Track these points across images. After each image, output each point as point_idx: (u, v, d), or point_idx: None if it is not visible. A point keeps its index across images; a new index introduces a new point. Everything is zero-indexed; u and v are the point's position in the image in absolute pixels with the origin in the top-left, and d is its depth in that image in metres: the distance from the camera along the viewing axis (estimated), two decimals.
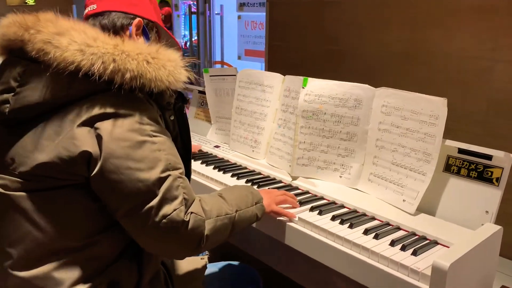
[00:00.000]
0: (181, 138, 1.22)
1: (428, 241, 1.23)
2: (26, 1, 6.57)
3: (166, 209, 1.00)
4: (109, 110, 1.00)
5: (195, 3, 3.60)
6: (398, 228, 1.30)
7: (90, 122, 0.99)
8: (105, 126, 0.98)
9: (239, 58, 3.41)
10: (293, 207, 1.41)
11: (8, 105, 1.02)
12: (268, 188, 1.52)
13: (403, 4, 1.98)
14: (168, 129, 1.13)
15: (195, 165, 1.78)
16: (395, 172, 1.44)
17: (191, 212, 1.05)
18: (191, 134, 2.15)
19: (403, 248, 1.17)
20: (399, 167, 1.42)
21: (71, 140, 0.98)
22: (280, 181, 1.63)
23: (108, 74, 0.98)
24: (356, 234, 1.25)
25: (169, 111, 1.15)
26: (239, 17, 3.39)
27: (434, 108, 1.34)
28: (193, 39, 3.79)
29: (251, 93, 1.86)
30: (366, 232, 1.25)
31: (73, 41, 0.99)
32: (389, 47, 2.09)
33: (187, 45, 3.83)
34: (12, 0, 6.64)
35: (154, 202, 1.00)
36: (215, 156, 1.90)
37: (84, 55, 0.97)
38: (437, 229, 1.27)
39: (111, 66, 0.98)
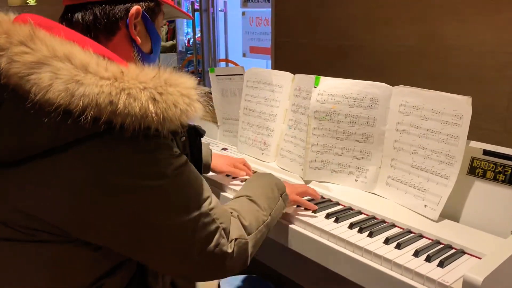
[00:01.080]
0: (192, 158, 1.11)
1: (454, 250, 1.14)
2: (28, 1, 6.51)
3: (208, 248, 0.93)
4: (113, 158, 0.82)
5: (198, 0, 3.51)
6: (421, 236, 1.22)
7: (91, 177, 0.82)
8: (112, 179, 0.82)
9: (244, 55, 3.33)
10: (315, 198, 1.39)
11: None
12: None
13: None
14: None
15: None
16: (415, 175, 1.35)
17: (235, 239, 0.98)
18: None
19: (428, 259, 1.09)
20: (419, 170, 1.34)
21: (71, 201, 0.82)
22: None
23: (105, 120, 0.78)
24: (376, 244, 1.17)
25: (180, 133, 1.01)
26: (243, 13, 3.31)
27: (458, 107, 1.25)
28: (196, 37, 3.71)
29: (259, 93, 1.77)
30: (387, 241, 1.17)
31: (57, 76, 0.78)
32: (402, 42, 2.00)
33: (190, 43, 3.75)
34: (13, 1, 6.59)
35: (193, 247, 0.91)
36: None
37: (72, 97, 0.77)
38: (463, 237, 1.18)
39: (108, 110, 0.78)
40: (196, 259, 0.93)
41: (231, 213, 1.06)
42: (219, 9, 3.53)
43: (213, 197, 0.99)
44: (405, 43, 1.98)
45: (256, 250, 1.08)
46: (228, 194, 1.53)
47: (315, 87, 1.51)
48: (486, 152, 1.25)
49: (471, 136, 1.27)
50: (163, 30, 5.03)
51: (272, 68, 2.60)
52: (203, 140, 1.74)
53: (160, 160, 0.87)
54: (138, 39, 1.01)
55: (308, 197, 1.40)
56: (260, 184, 1.24)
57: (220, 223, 0.96)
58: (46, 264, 0.87)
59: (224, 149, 1.90)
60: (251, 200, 1.14)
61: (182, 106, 0.84)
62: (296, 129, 1.64)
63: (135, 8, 0.97)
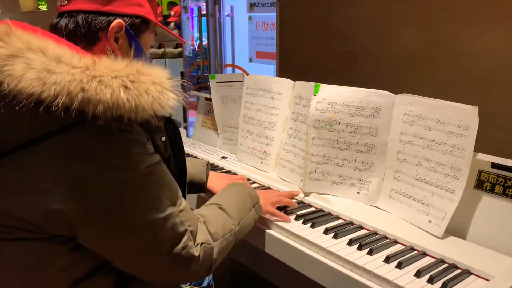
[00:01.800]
0: (174, 159, 1.07)
1: (459, 270, 1.07)
2: (39, 7, 6.57)
3: (176, 249, 0.92)
4: (85, 149, 0.82)
5: (204, 5, 3.48)
6: (424, 254, 1.15)
7: (62, 170, 0.81)
8: (81, 173, 0.82)
9: (250, 60, 3.27)
10: (291, 207, 1.37)
11: None
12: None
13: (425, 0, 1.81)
14: (158, 152, 0.97)
15: None
16: (419, 188, 1.28)
17: (201, 243, 0.99)
18: (198, 143, 2.04)
19: (430, 280, 1.02)
20: (423, 183, 1.27)
21: (42, 196, 0.82)
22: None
23: (76, 107, 0.78)
24: (376, 262, 1.10)
25: (160, 132, 1.00)
26: (249, 18, 3.26)
27: (464, 117, 1.18)
28: (203, 42, 3.67)
29: (259, 101, 1.72)
30: (387, 259, 1.10)
31: (30, 67, 0.79)
32: (408, 47, 1.92)
33: (198, 48, 3.72)
34: (25, 6, 6.64)
35: (160, 246, 0.91)
36: (222, 168, 1.76)
37: (44, 85, 0.77)
38: (469, 256, 1.11)
39: (80, 97, 0.78)
40: (162, 260, 0.92)
41: (198, 218, 1.04)
42: (226, 14, 3.48)
43: (183, 201, 0.99)
44: (413, 49, 1.91)
45: (222, 258, 1.07)
46: None
47: (314, 95, 1.44)
48: (494, 165, 1.18)
49: (480, 145, 1.19)
50: None
51: (276, 74, 2.54)
52: (204, 150, 1.68)
53: (132, 155, 0.86)
54: (118, 52, 0.99)
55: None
56: (233, 193, 1.23)
57: (189, 226, 0.96)
58: (24, 263, 0.88)
59: (224, 157, 1.84)
60: (220, 208, 1.14)
61: (154, 94, 0.84)
62: (296, 138, 1.57)
63: (117, 21, 0.97)
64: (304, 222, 1.30)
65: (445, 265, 1.10)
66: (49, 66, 0.79)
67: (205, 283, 1.55)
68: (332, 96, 1.42)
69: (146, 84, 0.84)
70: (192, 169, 1.42)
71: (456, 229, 1.21)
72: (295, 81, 1.62)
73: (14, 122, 0.82)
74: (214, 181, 1.48)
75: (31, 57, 0.80)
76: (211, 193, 1.45)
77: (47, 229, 0.85)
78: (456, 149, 1.19)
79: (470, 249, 1.15)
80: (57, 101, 0.77)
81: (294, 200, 1.42)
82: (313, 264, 1.18)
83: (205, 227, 1.03)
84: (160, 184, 0.91)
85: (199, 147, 1.99)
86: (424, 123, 1.27)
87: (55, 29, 0.98)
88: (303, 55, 2.45)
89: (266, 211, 1.30)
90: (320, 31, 2.32)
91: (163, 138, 1.01)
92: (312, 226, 1.28)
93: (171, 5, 5.66)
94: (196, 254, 0.96)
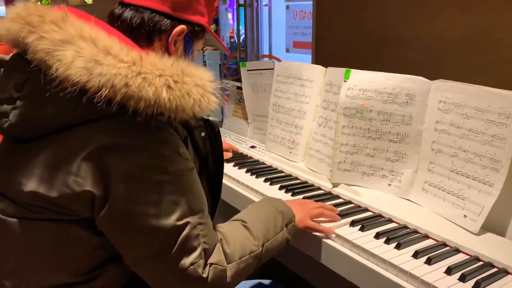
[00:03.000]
0: (212, 156, 1.05)
1: (495, 269, 0.99)
2: (86, 0, 6.76)
3: (183, 262, 0.88)
4: (121, 141, 0.84)
5: None
6: (457, 251, 1.07)
7: (96, 156, 0.83)
8: (114, 162, 0.83)
9: (287, 50, 3.21)
10: (332, 221, 1.20)
11: (7, 119, 0.88)
12: (303, 197, 1.33)
13: None
14: (197, 148, 0.97)
15: (227, 166, 1.62)
16: (454, 181, 1.20)
17: (211, 264, 0.92)
18: (229, 132, 2.01)
19: (462, 278, 0.95)
20: (459, 176, 1.18)
21: (73, 177, 0.83)
22: (318, 188, 1.44)
23: (119, 101, 0.80)
24: (403, 257, 1.03)
25: (199, 128, 0.99)
26: (287, 7, 3.19)
27: (505, 104, 1.09)
28: (240, 33, 3.64)
29: (289, 88, 1.67)
30: (416, 255, 1.03)
31: (79, 55, 0.80)
32: (448, 34, 1.81)
33: (241, 40, 3.70)
34: (73, 0, 6.85)
35: (169, 253, 0.87)
36: (250, 157, 1.73)
37: (90, 75, 0.79)
38: (507, 254, 1.03)
39: (123, 92, 0.79)
40: (168, 268, 0.88)
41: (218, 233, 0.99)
42: (264, 3, 3.43)
43: (208, 217, 0.94)
44: (451, 36, 1.80)
45: (238, 281, 0.98)
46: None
47: (345, 81, 1.38)
48: None
49: None
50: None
51: (312, 63, 2.47)
52: (234, 139, 1.66)
53: (165, 156, 0.87)
54: (174, 55, 1.01)
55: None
56: (263, 209, 1.12)
57: (204, 242, 0.91)
58: (51, 243, 0.88)
59: (253, 147, 1.81)
60: (244, 226, 1.04)
61: (196, 96, 0.84)
62: (326, 127, 1.51)
63: (181, 27, 0.99)
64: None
65: (480, 263, 1.02)
66: (97, 56, 0.81)
67: None
68: (364, 82, 1.36)
69: (189, 85, 0.84)
70: None
71: (494, 225, 1.12)
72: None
73: (57, 106, 0.84)
74: None
75: (82, 46, 0.81)
76: None
77: (75, 211, 0.86)
78: (496, 139, 1.10)
79: (509, 247, 1.06)
80: (100, 92, 0.79)
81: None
82: (337, 256, 1.13)
83: (220, 247, 0.95)
84: (186, 190, 0.89)
85: (229, 137, 1.96)
86: (461, 111, 1.19)
87: (116, 19, 0.98)
88: (339, 44, 2.37)
89: (305, 226, 1.16)
90: (357, 18, 2.24)
91: (202, 134, 1.01)
92: (340, 217, 1.22)
93: None
94: (204, 275, 0.89)
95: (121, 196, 0.84)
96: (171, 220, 0.86)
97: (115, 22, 0.99)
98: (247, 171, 1.57)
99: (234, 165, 1.63)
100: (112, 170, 0.83)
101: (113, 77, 0.79)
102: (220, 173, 1.09)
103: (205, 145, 1.03)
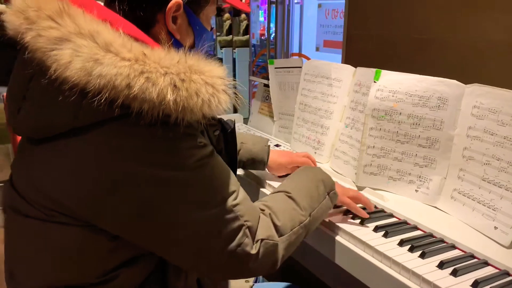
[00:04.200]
0: (226, 153, 1.03)
1: None
2: None
3: (229, 248, 0.86)
4: (132, 143, 0.78)
5: None
6: (486, 264, 1.02)
7: (111, 162, 0.79)
8: (132, 166, 0.78)
9: (317, 49, 3.17)
10: (368, 208, 1.23)
11: (15, 119, 0.86)
12: None
13: None
14: (211, 144, 0.92)
15: None
16: (486, 190, 1.14)
17: (261, 240, 0.90)
18: (254, 129, 1.99)
19: None
20: (491, 185, 1.13)
21: (91, 186, 0.80)
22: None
23: (120, 103, 0.75)
24: (428, 267, 0.99)
25: (213, 126, 0.96)
26: (319, 5, 3.15)
27: None
28: (270, 31, 3.62)
29: (317, 87, 1.63)
30: (441, 265, 0.99)
31: (77, 54, 0.74)
32: (489, 36, 1.74)
33: (271, 37, 3.68)
34: None
35: (213, 243, 0.85)
36: None
37: (89, 76, 0.73)
38: None
39: (125, 93, 0.74)
40: (215, 257, 0.87)
41: (263, 210, 0.97)
42: (295, 1, 3.39)
43: (241, 192, 0.92)
44: (493, 38, 1.73)
45: (290, 253, 0.98)
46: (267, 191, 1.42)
47: (374, 81, 1.34)
48: None
49: None
50: (225, 26, 4.99)
51: (342, 62, 2.42)
52: (260, 134, 1.61)
53: (180, 150, 0.81)
54: (177, 34, 0.93)
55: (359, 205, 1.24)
56: (304, 178, 1.11)
57: (245, 221, 0.88)
58: (62, 246, 0.85)
59: (277, 145, 1.78)
60: (289, 196, 1.03)
61: (205, 96, 0.78)
62: (353, 128, 1.48)
63: (174, 1, 0.89)
64: (353, 218, 1.21)
65: (510, 278, 0.97)
66: (96, 55, 0.75)
67: None
68: (394, 83, 1.31)
69: (197, 84, 0.78)
70: (254, 147, 1.39)
71: None
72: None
73: (59, 109, 0.79)
74: (275, 159, 1.42)
75: (80, 43, 0.75)
76: (271, 171, 1.44)
77: (90, 220, 0.83)
78: None
79: None
80: (101, 95, 0.74)
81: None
82: (359, 262, 1.09)
83: (269, 220, 0.94)
84: (211, 178, 0.86)
85: (253, 134, 1.94)
86: (496, 117, 1.13)
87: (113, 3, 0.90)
88: (370, 44, 2.32)
89: (341, 201, 1.17)
90: (390, 18, 2.18)
91: (217, 132, 0.97)
92: (362, 223, 1.18)
93: None
94: (253, 252, 0.88)
95: (144, 200, 0.80)
96: (206, 211, 0.83)
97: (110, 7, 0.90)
98: None
99: None
100: (131, 176, 0.79)
101: (114, 78, 0.74)
102: (233, 172, 1.05)
103: (219, 143, 1.00)
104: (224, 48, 4.82)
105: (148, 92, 0.74)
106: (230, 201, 0.87)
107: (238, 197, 0.90)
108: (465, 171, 1.21)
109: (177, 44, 0.93)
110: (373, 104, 1.33)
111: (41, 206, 0.84)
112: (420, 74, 1.30)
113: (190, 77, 0.78)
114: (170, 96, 0.75)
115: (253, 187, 1.47)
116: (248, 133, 1.48)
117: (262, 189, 1.44)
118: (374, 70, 1.36)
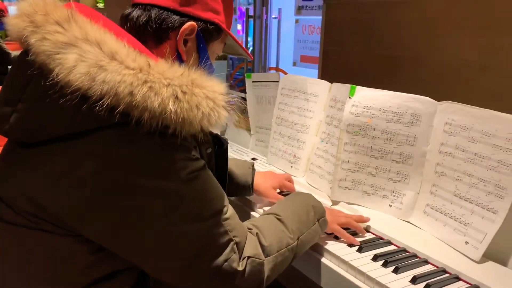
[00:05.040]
0: (216, 174, 1.01)
1: None
2: (98, 4, 6.80)
3: (216, 262, 0.85)
4: (124, 153, 0.78)
5: (252, 7, 3.46)
6: (457, 278, 1.03)
7: (102, 170, 0.78)
8: (122, 175, 0.78)
9: (294, 64, 3.21)
10: (360, 233, 1.22)
11: (7, 122, 0.83)
12: None
13: (482, 4, 1.68)
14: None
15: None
16: (457, 206, 1.16)
17: (248, 257, 0.90)
18: (231, 143, 1.99)
19: None
20: (463, 201, 1.15)
21: (79, 194, 0.78)
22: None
23: (121, 110, 0.75)
24: (401, 282, 1.00)
25: (206, 144, 0.95)
26: (296, 21, 3.20)
27: None
28: (248, 45, 3.65)
29: (293, 102, 1.65)
30: (414, 280, 1.00)
31: (82, 59, 0.75)
32: (461, 55, 1.79)
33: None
34: (86, 2, 6.91)
35: (200, 257, 0.84)
36: None
37: (93, 81, 0.74)
38: (508, 284, 0.99)
39: (126, 100, 0.74)
40: (201, 272, 0.85)
41: (250, 229, 0.96)
42: (273, 16, 3.44)
43: (230, 209, 0.92)
44: (464, 57, 1.78)
45: (276, 275, 0.97)
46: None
47: (349, 97, 1.36)
48: None
49: None
50: None
51: (318, 78, 2.46)
52: (235, 150, 1.59)
53: (174, 162, 0.81)
54: (184, 54, 0.95)
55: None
56: (295, 203, 1.11)
57: (234, 236, 0.88)
58: (45, 255, 0.84)
59: (254, 159, 1.78)
60: (278, 219, 1.03)
61: (205, 110, 0.79)
62: (328, 143, 1.49)
63: (190, 23, 0.93)
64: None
65: None
66: (101, 61, 0.75)
67: None
68: (369, 99, 1.33)
69: (198, 98, 0.79)
70: (237, 170, 1.35)
71: (497, 254, 1.09)
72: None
73: (57, 113, 0.79)
74: (260, 182, 1.38)
75: (86, 49, 0.76)
76: (257, 195, 1.39)
77: (76, 230, 0.81)
78: (502, 165, 1.07)
79: (511, 277, 1.03)
80: (102, 101, 0.74)
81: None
82: (333, 277, 1.09)
83: (256, 239, 0.94)
84: (202, 190, 0.85)
85: (230, 147, 1.94)
86: (467, 134, 1.16)
87: (125, 19, 0.94)
88: (346, 60, 2.36)
89: (331, 229, 1.17)
90: (365, 35, 2.23)
91: (209, 150, 0.96)
92: (336, 237, 1.19)
93: None
94: (240, 268, 0.87)
95: (134, 211, 0.79)
96: (195, 223, 0.83)
97: (125, 23, 0.95)
98: None
99: None
100: (121, 185, 0.78)
101: (117, 85, 0.74)
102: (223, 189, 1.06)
103: (210, 161, 0.99)
104: None
105: (150, 101, 0.75)
106: (220, 215, 0.87)
107: (228, 212, 0.89)
108: (437, 186, 1.23)
109: (180, 63, 0.93)
110: (348, 120, 1.35)
111: (27, 213, 0.82)
112: (395, 90, 1.33)
113: (192, 90, 0.79)
114: (171, 107, 0.76)
115: (243, 210, 1.45)
116: (232, 157, 1.45)
117: (252, 213, 1.41)
118: (349, 86, 1.38)
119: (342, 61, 2.42)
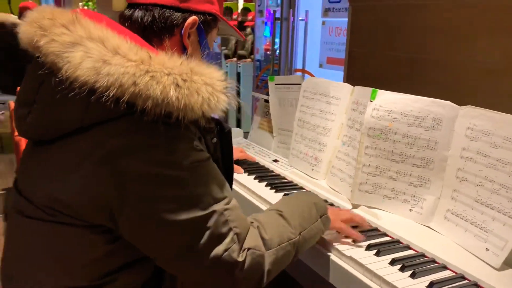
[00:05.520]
0: (223, 163, 1.05)
1: None
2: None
3: (216, 251, 0.87)
4: (132, 142, 0.83)
5: (279, 9, 3.47)
6: (476, 285, 1.02)
7: (109, 159, 0.82)
8: (127, 164, 0.82)
9: (320, 66, 3.20)
10: (364, 228, 1.24)
11: (25, 123, 0.91)
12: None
13: (507, 5, 1.65)
14: (208, 152, 0.95)
15: (247, 179, 1.61)
16: (478, 212, 1.15)
17: (248, 249, 0.91)
18: (253, 144, 2.01)
19: None
20: (484, 207, 1.14)
21: (87, 181, 0.83)
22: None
23: (126, 100, 0.80)
24: (418, 287, 1.00)
25: (212, 133, 0.98)
26: (323, 23, 3.19)
27: None
28: (275, 47, 3.66)
29: (315, 105, 1.65)
30: (431, 286, 1.00)
31: (88, 55, 0.80)
32: (485, 57, 1.76)
33: (276, 52, 3.71)
34: (117, 6, 7.06)
35: (201, 245, 0.86)
36: (271, 171, 1.72)
37: (98, 75, 0.79)
38: None
39: (130, 91, 0.79)
40: (201, 261, 0.87)
41: (251, 223, 0.98)
42: (300, 18, 3.43)
43: (234, 201, 0.94)
44: (488, 59, 1.74)
45: (278, 269, 0.99)
46: None
47: (371, 101, 1.36)
48: None
49: None
50: (231, 40, 5.08)
51: (344, 81, 2.45)
52: (257, 152, 1.60)
53: (178, 150, 0.85)
54: (189, 48, 1.00)
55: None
56: (297, 201, 1.14)
57: (234, 227, 0.90)
58: (64, 246, 0.88)
59: (276, 160, 1.80)
60: (280, 214, 1.05)
61: (205, 95, 0.83)
62: (350, 146, 1.49)
63: (192, 18, 0.98)
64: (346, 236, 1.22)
65: None
66: (105, 56, 0.80)
67: None
68: (390, 103, 1.33)
69: (197, 84, 0.83)
70: None
71: None
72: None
73: (68, 107, 0.84)
74: None
75: (90, 46, 0.81)
76: None
77: (88, 217, 0.86)
78: None
79: None
80: (108, 92, 0.79)
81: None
82: (349, 280, 1.10)
83: (257, 232, 0.95)
84: (205, 180, 0.88)
85: (252, 149, 1.96)
86: (489, 139, 1.14)
87: (128, 20, 0.97)
88: (372, 62, 2.34)
89: (334, 226, 1.17)
90: (390, 37, 2.20)
91: (214, 140, 0.99)
92: (355, 240, 1.19)
93: (246, 10, 5.75)
94: (240, 259, 0.89)
95: (139, 197, 0.83)
96: (196, 212, 0.85)
97: (126, 23, 0.97)
98: (266, 185, 1.56)
99: (255, 178, 1.63)
100: (126, 172, 0.82)
101: (121, 76, 0.79)
102: (230, 180, 1.07)
103: (216, 152, 1.02)
104: (229, 62, 4.87)
105: (152, 89, 0.79)
106: (222, 205, 0.89)
107: (230, 203, 0.92)
108: (458, 191, 1.22)
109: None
110: (369, 123, 1.35)
111: (46, 206, 0.87)
112: (419, 93, 1.32)
113: (191, 77, 0.83)
114: (172, 93, 0.80)
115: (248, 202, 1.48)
116: None
117: (264, 208, 1.43)
118: (370, 89, 1.38)
119: (367, 63, 2.40)
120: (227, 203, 0.91)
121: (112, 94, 0.79)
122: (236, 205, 0.94)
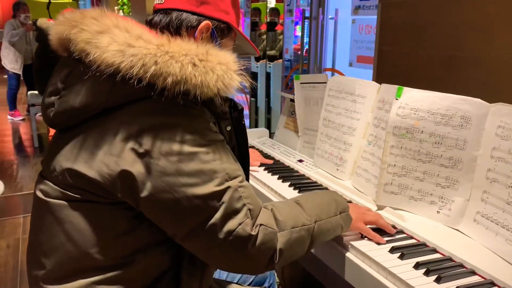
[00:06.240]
0: (238, 151, 1.08)
1: None
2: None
3: (230, 225, 0.91)
4: (152, 121, 0.90)
5: (308, 8, 3.43)
6: None
7: (132, 137, 0.89)
8: (149, 140, 0.89)
9: (350, 65, 3.14)
10: (388, 232, 1.21)
11: (53, 108, 0.98)
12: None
13: None
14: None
15: (271, 179, 1.60)
16: (510, 214, 1.09)
17: (260, 224, 0.94)
18: (278, 144, 1.99)
19: None
20: None
21: (113, 157, 0.89)
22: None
23: (148, 78, 0.87)
24: None
25: (226, 120, 1.02)
26: (353, 21, 3.13)
27: None
28: (304, 46, 3.62)
29: (341, 103, 1.62)
30: None
31: (114, 40, 0.89)
32: None
33: (301, 52, 3.68)
34: (152, 9, 7.17)
35: (216, 218, 0.90)
36: (296, 171, 1.69)
37: (124, 56, 0.87)
38: None
39: (152, 69, 0.87)
40: (217, 234, 0.91)
41: (266, 206, 1.01)
42: (330, 16, 3.38)
43: (247, 183, 0.98)
44: None
45: (290, 253, 0.99)
46: None
47: (396, 98, 1.31)
48: None
49: None
50: (261, 40, 5.07)
51: (373, 79, 2.39)
52: (282, 151, 1.61)
53: (196, 129, 0.91)
54: None
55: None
56: (317, 195, 1.18)
57: (248, 203, 0.94)
58: (91, 224, 0.93)
59: (300, 160, 1.77)
60: (297, 202, 1.07)
61: (219, 72, 0.90)
62: (375, 145, 1.45)
63: (206, 22, 1.04)
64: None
65: None
66: (130, 40, 0.89)
67: (266, 284, 1.50)
68: (416, 101, 1.28)
69: (213, 63, 0.91)
70: None
71: None
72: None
73: (93, 89, 0.92)
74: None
75: (116, 33, 0.90)
76: None
77: (114, 194, 0.91)
78: None
79: None
80: (132, 70, 0.87)
81: None
82: (372, 284, 1.07)
83: (271, 213, 0.99)
84: (221, 157, 0.93)
85: (278, 148, 1.94)
86: None
87: (150, 24, 1.06)
88: (401, 60, 2.28)
89: (356, 227, 1.17)
90: (421, 34, 2.14)
91: (229, 128, 1.04)
92: (378, 243, 1.16)
93: (274, 11, 5.70)
94: (253, 233, 0.92)
95: (160, 173, 0.88)
96: (212, 187, 0.89)
97: (147, 26, 1.05)
98: (290, 185, 1.54)
99: (279, 178, 1.61)
100: (148, 150, 0.88)
101: (144, 57, 0.87)
102: (246, 168, 1.10)
103: (231, 139, 1.06)
104: (259, 62, 4.86)
105: (172, 67, 0.87)
106: (236, 182, 0.93)
107: (244, 182, 0.96)
108: (489, 193, 1.16)
109: None
110: (394, 122, 1.31)
111: (66, 185, 0.94)
112: (451, 92, 1.26)
113: (207, 57, 0.91)
114: (190, 70, 0.88)
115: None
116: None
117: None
118: (396, 87, 1.34)
119: (397, 62, 2.34)
120: (241, 181, 0.95)
121: (135, 72, 0.86)
122: (249, 185, 0.98)
